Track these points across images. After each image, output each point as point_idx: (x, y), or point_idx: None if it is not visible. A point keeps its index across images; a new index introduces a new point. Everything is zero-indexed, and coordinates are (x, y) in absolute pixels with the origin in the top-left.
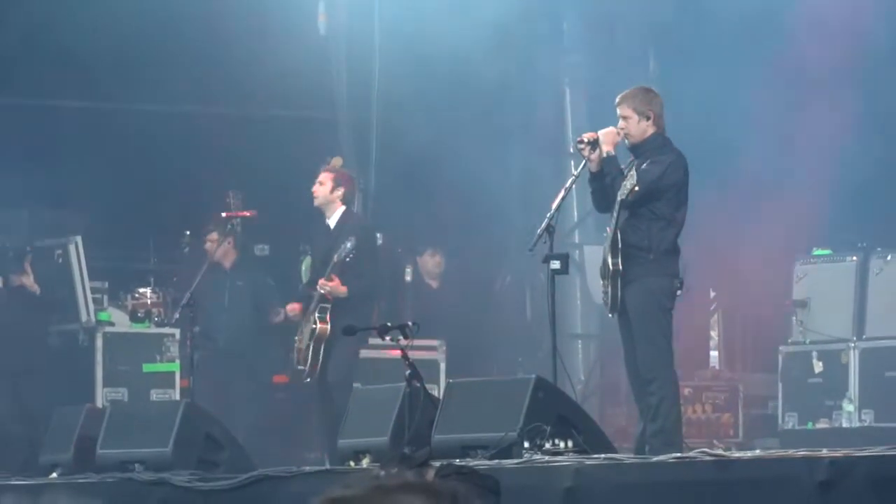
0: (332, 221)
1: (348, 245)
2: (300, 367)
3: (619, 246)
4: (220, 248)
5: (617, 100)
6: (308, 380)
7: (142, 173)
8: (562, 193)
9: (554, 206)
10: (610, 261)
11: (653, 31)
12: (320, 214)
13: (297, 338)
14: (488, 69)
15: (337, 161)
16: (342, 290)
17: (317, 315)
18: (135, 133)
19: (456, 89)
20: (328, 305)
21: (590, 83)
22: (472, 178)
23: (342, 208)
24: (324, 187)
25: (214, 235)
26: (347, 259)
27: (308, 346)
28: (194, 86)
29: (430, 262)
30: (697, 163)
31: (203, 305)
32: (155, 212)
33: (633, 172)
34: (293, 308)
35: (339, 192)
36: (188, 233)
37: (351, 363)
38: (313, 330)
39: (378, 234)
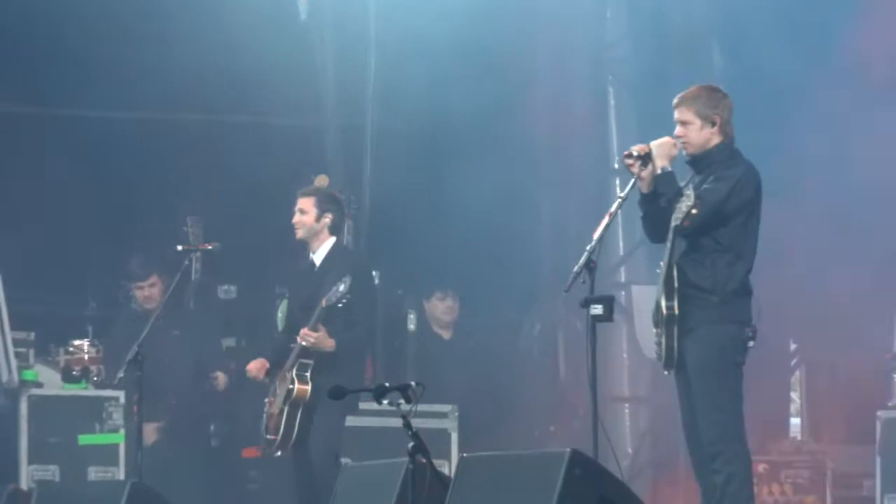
0: (317, 257)
1: (341, 288)
2: (269, 437)
3: (676, 285)
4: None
5: (675, 101)
6: (278, 453)
7: (79, 195)
8: (605, 220)
9: (595, 236)
10: (664, 304)
11: (717, 17)
12: (301, 248)
13: (267, 400)
14: (512, 65)
15: (322, 180)
16: (329, 343)
17: (295, 373)
18: (68, 144)
19: (471, 89)
20: (310, 362)
21: (639, 82)
22: (490, 202)
23: (331, 240)
24: (307, 216)
25: (155, 278)
26: (340, 305)
27: (282, 412)
28: (144, 87)
29: (440, 308)
30: (773, 182)
31: (154, 361)
32: (94, 244)
33: (691, 192)
34: (256, 367)
35: (327, 219)
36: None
37: (337, 433)
38: (289, 391)
39: (374, 272)
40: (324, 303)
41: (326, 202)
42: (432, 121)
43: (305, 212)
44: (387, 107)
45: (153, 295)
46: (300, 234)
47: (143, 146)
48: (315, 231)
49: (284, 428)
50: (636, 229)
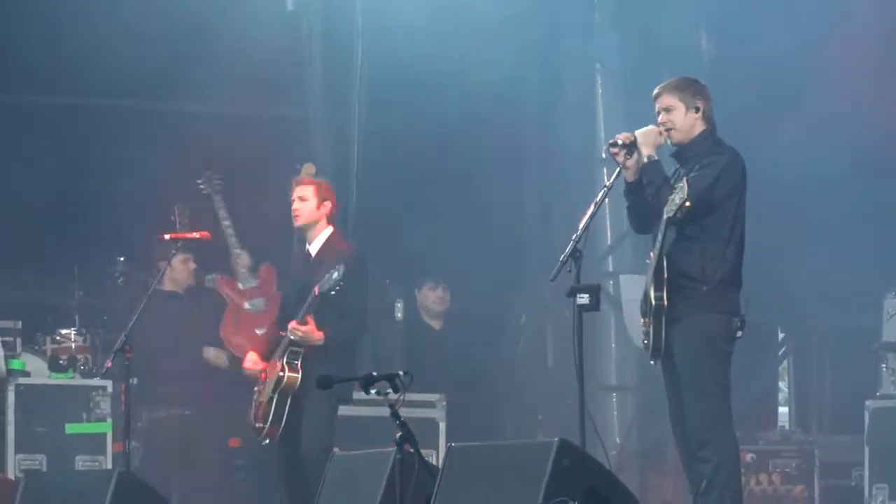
0: (313, 247)
1: (335, 275)
2: (258, 425)
3: (665, 276)
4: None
5: (655, 91)
6: (266, 441)
7: (65, 182)
8: (591, 210)
9: (581, 225)
10: (653, 294)
11: (706, 4)
12: (291, 238)
13: (257, 388)
14: (498, 53)
15: (308, 169)
16: (317, 335)
17: (285, 360)
18: (55, 131)
19: (458, 78)
20: (300, 349)
21: (626, 70)
22: (478, 192)
23: (328, 230)
24: (307, 203)
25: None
26: (332, 293)
27: (271, 400)
28: (131, 76)
29: (431, 298)
30: (763, 172)
31: (142, 349)
32: (81, 232)
33: (684, 184)
34: (252, 361)
35: (326, 207)
36: (122, 259)
37: (327, 423)
38: (279, 379)
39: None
40: (316, 290)
41: (324, 189)
42: (420, 113)
43: (306, 199)
44: (374, 98)
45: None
46: (300, 221)
47: (129, 134)
48: (315, 219)
49: (273, 416)
50: (623, 219)
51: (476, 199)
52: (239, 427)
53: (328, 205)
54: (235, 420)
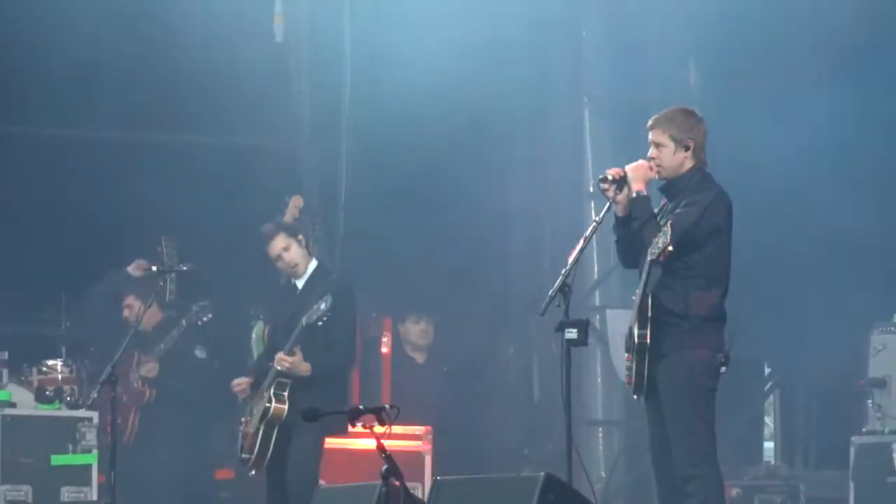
0: (301, 281)
1: (322, 306)
2: (244, 456)
3: (650, 314)
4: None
5: (650, 122)
6: (253, 472)
7: (52, 212)
8: (580, 244)
9: (571, 259)
10: (637, 332)
11: (694, 36)
12: (277, 271)
13: (244, 419)
14: (487, 87)
15: (297, 201)
16: (304, 367)
17: (273, 392)
18: (43, 162)
19: (446, 112)
20: (287, 381)
21: (615, 105)
22: (465, 224)
23: (313, 263)
24: (291, 251)
25: (131, 300)
26: (320, 323)
27: (257, 431)
28: (118, 106)
29: (415, 331)
30: (748, 206)
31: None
32: (68, 263)
33: (667, 228)
34: (239, 384)
35: (303, 241)
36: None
37: (313, 455)
38: (266, 410)
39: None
40: (304, 321)
41: (290, 229)
42: (408, 144)
43: (288, 247)
44: (362, 129)
45: (129, 316)
46: (301, 269)
47: (116, 165)
48: (307, 261)
49: (259, 447)
50: (610, 253)
51: (463, 231)
52: (226, 458)
53: (302, 237)
54: (221, 451)
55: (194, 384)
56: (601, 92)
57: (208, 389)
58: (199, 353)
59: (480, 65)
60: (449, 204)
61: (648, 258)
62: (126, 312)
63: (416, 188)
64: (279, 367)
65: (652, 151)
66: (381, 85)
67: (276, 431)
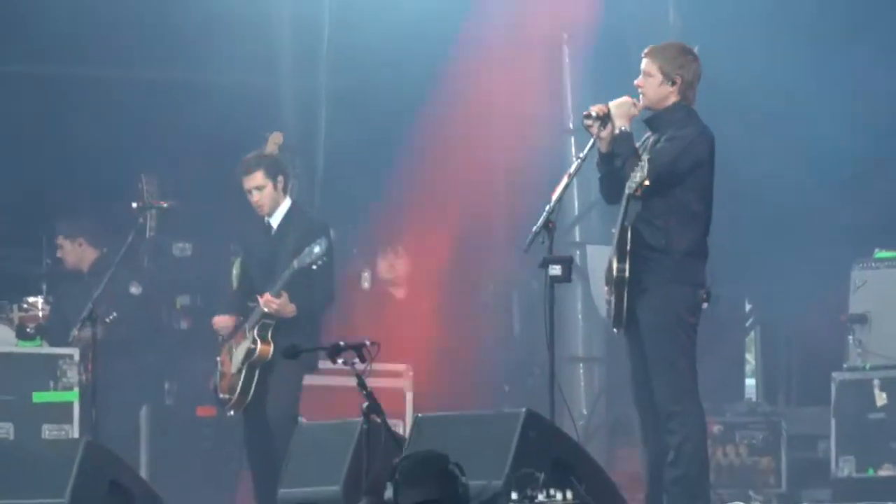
0: (274, 220)
1: (316, 249)
2: (224, 396)
3: (629, 248)
4: (72, 252)
5: (645, 50)
6: (232, 412)
7: (32, 150)
8: (564, 181)
9: (555, 196)
10: (615, 266)
11: None
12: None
13: (219, 359)
14: (466, 21)
15: (276, 138)
16: (290, 309)
17: (257, 332)
18: (24, 99)
19: (426, 43)
20: (272, 321)
21: (594, 41)
22: (444, 160)
23: (286, 202)
24: (265, 190)
25: (61, 239)
26: (314, 267)
27: (240, 371)
28: (102, 43)
29: (383, 266)
30: (731, 142)
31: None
32: (48, 200)
33: (645, 161)
34: (223, 321)
35: (282, 182)
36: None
37: (294, 393)
38: (251, 350)
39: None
40: (295, 264)
41: (273, 167)
42: (387, 79)
43: (262, 187)
44: (342, 65)
45: (82, 256)
46: (266, 209)
47: (96, 102)
48: (279, 201)
49: (242, 387)
50: (591, 189)
51: (442, 167)
52: (207, 395)
53: (282, 179)
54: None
55: (132, 323)
56: (580, 28)
57: (148, 326)
58: (134, 289)
59: (458, 2)
60: (428, 141)
61: (626, 192)
62: (59, 254)
63: (394, 125)
64: (266, 309)
65: (639, 79)
66: (363, 17)
67: (257, 371)
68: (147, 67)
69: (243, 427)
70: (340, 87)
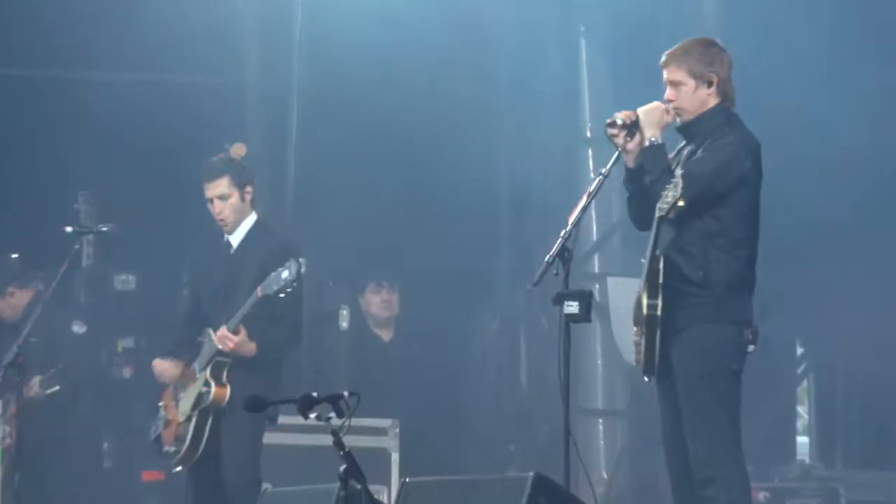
0: (235, 238)
1: (284, 274)
2: (168, 449)
3: (661, 281)
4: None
5: (663, 58)
6: (179, 468)
7: None
8: (583, 201)
9: (572, 220)
10: (646, 302)
11: None
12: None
13: (161, 404)
14: (464, 15)
15: (238, 150)
16: (250, 347)
17: (210, 373)
18: None
19: (415, 41)
20: (227, 360)
21: (616, 34)
22: (440, 175)
23: (252, 217)
24: (231, 199)
25: (12, 289)
26: (282, 295)
27: (189, 418)
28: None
29: (375, 302)
30: (776, 159)
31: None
32: None
33: (679, 177)
34: (164, 367)
35: (249, 193)
36: (15, 256)
37: (255, 451)
38: (203, 395)
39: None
40: (258, 292)
41: (240, 174)
42: (369, 81)
43: (227, 196)
44: (315, 63)
45: (17, 304)
46: (230, 225)
47: (27, 107)
48: (245, 214)
49: (192, 438)
50: (612, 210)
51: (436, 184)
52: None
53: (250, 189)
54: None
55: (75, 370)
56: (600, 19)
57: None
58: (77, 327)
59: None
60: (420, 151)
61: (657, 214)
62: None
63: (377, 133)
64: (220, 346)
65: (669, 93)
66: (338, 13)
67: (210, 419)
68: (86, 68)
69: (190, 491)
70: (314, 87)
